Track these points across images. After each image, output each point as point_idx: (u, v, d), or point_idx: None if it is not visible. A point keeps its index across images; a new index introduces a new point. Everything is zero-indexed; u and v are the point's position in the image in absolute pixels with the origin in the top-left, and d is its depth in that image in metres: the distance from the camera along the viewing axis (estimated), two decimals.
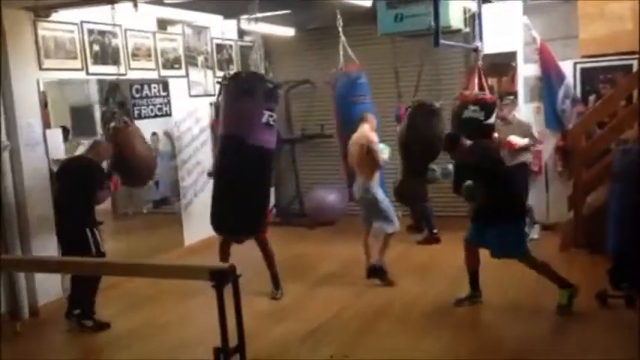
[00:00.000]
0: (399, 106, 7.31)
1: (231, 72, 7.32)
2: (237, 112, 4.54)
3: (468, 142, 4.86)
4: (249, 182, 4.80)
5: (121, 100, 6.20)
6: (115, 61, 6.19)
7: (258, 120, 4.44)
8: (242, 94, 4.45)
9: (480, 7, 6.52)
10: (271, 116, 4.49)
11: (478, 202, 4.92)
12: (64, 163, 5.35)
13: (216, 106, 6.17)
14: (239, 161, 4.63)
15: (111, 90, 6.15)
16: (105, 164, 5.39)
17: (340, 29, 6.16)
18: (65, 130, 5.85)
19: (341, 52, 6.03)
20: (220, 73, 7.59)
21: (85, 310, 4.98)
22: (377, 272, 5.66)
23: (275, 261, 5.60)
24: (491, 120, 6.27)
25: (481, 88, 6.41)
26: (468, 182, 4.92)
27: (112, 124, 5.91)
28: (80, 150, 5.71)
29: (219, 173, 5.09)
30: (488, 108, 6.24)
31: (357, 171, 5.69)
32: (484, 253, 4.92)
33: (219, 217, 5.14)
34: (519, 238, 4.79)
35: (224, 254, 5.49)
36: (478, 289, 5.04)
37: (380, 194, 5.69)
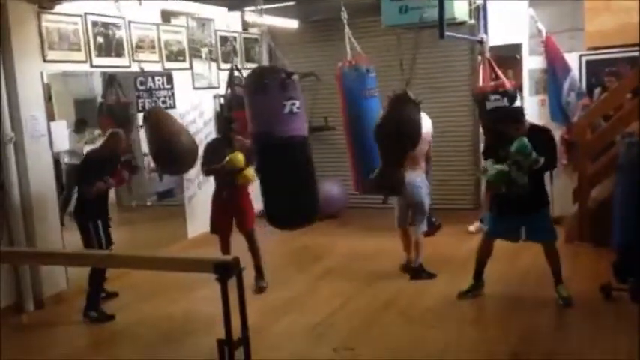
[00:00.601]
0: None
1: (245, 66, 7.32)
2: (258, 109, 4.49)
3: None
4: (294, 174, 4.66)
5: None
6: (119, 54, 6.19)
7: (281, 111, 4.39)
8: (258, 90, 4.41)
9: None
10: (293, 104, 4.43)
11: (513, 190, 4.64)
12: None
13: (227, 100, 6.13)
14: (273, 155, 4.54)
15: (109, 82, 6.14)
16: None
17: (345, 21, 6.12)
18: (82, 122, 5.84)
19: (348, 45, 5.98)
20: (224, 66, 7.61)
21: (91, 301, 5.01)
22: (420, 273, 5.65)
23: (260, 252, 5.70)
24: (518, 103, 6.22)
25: (496, 77, 6.38)
26: (500, 167, 4.63)
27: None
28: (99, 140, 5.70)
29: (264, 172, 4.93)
30: (509, 94, 6.21)
31: (415, 165, 5.58)
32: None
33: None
34: (551, 222, 4.91)
35: (225, 247, 5.57)
36: (481, 280, 5.04)
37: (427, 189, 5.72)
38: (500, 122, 4.92)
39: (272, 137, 4.38)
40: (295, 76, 4.46)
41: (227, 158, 5.37)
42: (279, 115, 4.39)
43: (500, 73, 6.40)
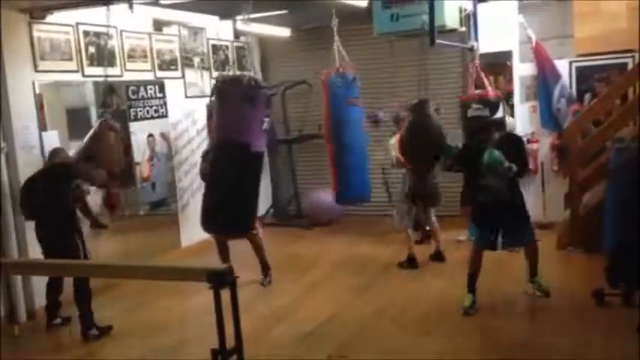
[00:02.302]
0: (395, 105, 7.21)
1: (227, 73, 7.30)
2: (240, 119, 4.52)
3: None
4: (249, 185, 4.81)
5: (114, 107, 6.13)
6: (111, 63, 6.18)
7: (260, 127, 4.46)
8: (244, 101, 4.43)
9: (475, 6, 6.52)
10: (268, 122, 4.55)
11: (498, 196, 4.78)
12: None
13: (209, 108, 6.14)
14: (242, 167, 4.63)
15: (107, 93, 6.11)
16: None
17: (335, 29, 6.14)
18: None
19: (336, 53, 6.01)
20: (217, 74, 7.61)
21: (86, 321, 4.87)
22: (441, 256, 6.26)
23: (264, 251, 5.91)
24: (499, 115, 6.25)
25: (481, 85, 6.40)
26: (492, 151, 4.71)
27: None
28: None
29: (217, 176, 5.08)
30: (491, 104, 6.23)
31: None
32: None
33: (213, 218, 5.16)
34: (531, 228, 5.01)
35: (223, 254, 5.63)
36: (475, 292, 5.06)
37: None
38: (475, 133, 5.06)
39: (248, 150, 4.45)
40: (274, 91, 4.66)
41: None
42: (258, 130, 4.46)
43: (486, 81, 6.42)
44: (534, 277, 5.00)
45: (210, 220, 5.24)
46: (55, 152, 5.22)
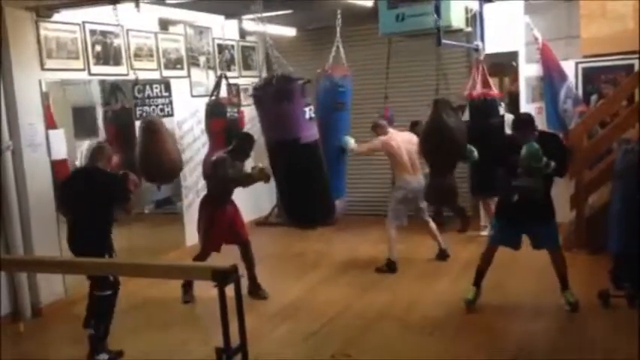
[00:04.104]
0: (386, 109, 7.12)
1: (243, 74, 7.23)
2: (280, 118, 4.49)
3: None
4: (305, 176, 4.68)
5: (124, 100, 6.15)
6: (117, 62, 6.20)
7: (304, 118, 4.43)
8: (279, 100, 4.42)
9: (481, 6, 6.51)
10: (311, 109, 4.51)
11: (525, 194, 4.67)
12: (76, 175, 4.83)
13: (210, 106, 6.07)
14: (296, 161, 4.56)
15: (112, 91, 6.13)
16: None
17: (338, 29, 6.13)
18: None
19: (332, 53, 5.98)
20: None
21: (98, 343, 4.47)
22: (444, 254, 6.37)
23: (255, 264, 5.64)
24: (501, 113, 6.21)
25: (486, 84, 6.37)
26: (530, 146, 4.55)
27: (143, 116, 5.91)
28: None
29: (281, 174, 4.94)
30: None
31: (416, 168, 6.20)
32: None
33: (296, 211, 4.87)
34: (557, 231, 4.93)
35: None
36: (480, 287, 5.03)
37: None
38: (515, 129, 4.90)
39: (297, 144, 4.41)
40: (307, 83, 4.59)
41: (256, 168, 5.35)
42: (303, 121, 4.43)
43: (487, 81, 6.36)
44: (565, 290, 4.83)
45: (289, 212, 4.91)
46: (101, 152, 4.67)
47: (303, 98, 4.45)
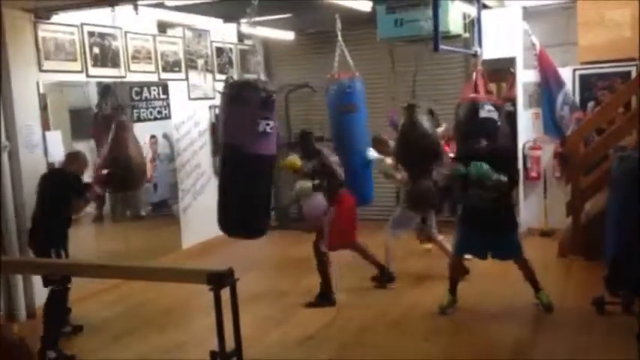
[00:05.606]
0: (390, 110, 7.12)
1: (233, 77, 7.28)
2: (232, 121, 4.54)
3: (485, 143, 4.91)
4: (248, 187, 4.73)
5: (117, 104, 6.14)
6: (115, 64, 6.20)
7: (253, 129, 4.42)
8: (235, 102, 4.45)
9: (479, 12, 6.53)
10: (268, 124, 4.47)
11: (486, 207, 4.77)
12: (43, 176, 4.99)
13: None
14: (235, 169, 4.60)
15: (104, 92, 6.14)
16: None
17: (339, 33, 6.14)
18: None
19: (336, 58, 5.98)
20: (220, 77, 7.62)
21: (48, 339, 4.52)
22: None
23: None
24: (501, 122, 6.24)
25: (486, 91, 6.38)
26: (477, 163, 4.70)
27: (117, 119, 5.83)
28: None
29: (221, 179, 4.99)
30: (500, 110, 6.21)
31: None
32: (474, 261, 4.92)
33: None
34: (518, 240, 5.01)
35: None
36: (456, 295, 5.08)
37: None
38: (471, 137, 5.04)
39: (239, 152, 4.42)
40: (275, 95, 4.55)
41: (284, 160, 5.41)
42: (251, 132, 4.42)
43: (481, 88, 6.37)
44: (537, 292, 4.96)
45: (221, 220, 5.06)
46: (74, 158, 4.99)
47: (261, 110, 4.41)
